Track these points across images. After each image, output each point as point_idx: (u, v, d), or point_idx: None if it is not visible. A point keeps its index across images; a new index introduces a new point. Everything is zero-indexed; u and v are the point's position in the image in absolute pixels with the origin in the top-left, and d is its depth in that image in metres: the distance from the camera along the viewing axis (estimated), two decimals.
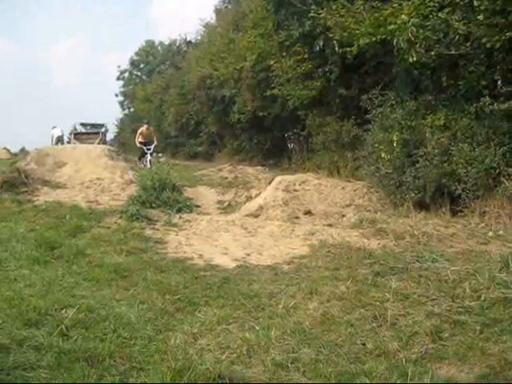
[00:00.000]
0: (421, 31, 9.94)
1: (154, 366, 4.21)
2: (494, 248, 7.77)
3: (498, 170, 9.55)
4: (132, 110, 53.84)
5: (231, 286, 6.60)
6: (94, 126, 36.53)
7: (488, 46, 9.58)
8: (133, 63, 60.64)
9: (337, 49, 13.34)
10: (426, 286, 5.93)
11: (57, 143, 28.91)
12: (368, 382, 3.87)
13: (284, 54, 17.09)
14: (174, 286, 6.46)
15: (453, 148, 10.24)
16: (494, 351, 4.21)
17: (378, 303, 5.50)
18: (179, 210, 11.56)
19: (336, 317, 5.24)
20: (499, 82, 10.44)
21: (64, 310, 5.31)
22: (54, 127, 31.00)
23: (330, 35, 13.11)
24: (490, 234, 8.83)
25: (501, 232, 8.83)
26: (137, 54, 60.05)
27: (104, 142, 32.71)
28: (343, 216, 10.99)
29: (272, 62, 17.69)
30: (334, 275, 6.69)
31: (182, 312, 5.65)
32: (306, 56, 16.16)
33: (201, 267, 7.60)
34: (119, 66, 61.44)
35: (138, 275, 6.88)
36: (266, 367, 4.21)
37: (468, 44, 10.01)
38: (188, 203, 12.60)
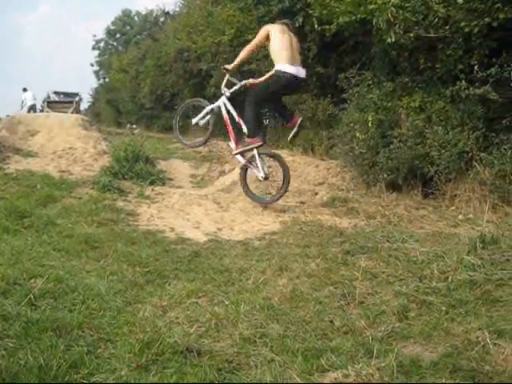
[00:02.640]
0: (400, 12, 9.92)
1: (123, 337, 4.21)
2: (463, 231, 7.86)
3: (470, 154, 9.62)
4: (107, 80, 53.17)
5: (202, 259, 6.60)
6: (67, 94, 36.05)
7: (466, 30, 9.60)
8: (109, 33, 59.85)
9: (316, 26, 13.29)
10: (395, 266, 5.99)
11: (29, 111, 28.38)
12: (334, 358, 3.92)
13: None
14: (144, 258, 6.43)
15: (427, 130, 10.28)
16: (458, 331, 4.28)
17: (346, 281, 5.55)
18: (152, 183, 11.45)
19: (305, 294, 5.27)
20: (476, 67, 10.47)
21: (33, 280, 5.24)
22: (25, 90, 30.03)
23: (310, 12, 13.06)
24: (460, 217, 8.94)
25: (470, 215, 8.94)
26: (113, 23, 59.25)
27: (78, 111, 32.25)
28: (316, 194, 11.03)
29: (250, 37, 17.45)
30: (304, 252, 6.72)
31: (151, 284, 5.64)
32: None
33: (172, 240, 7.58)
34: (95, 36, 60.66)
35: (109, 247, 6.82)
36: (234, 341, 4.23)
37: (447, 27, 10.01)
38: (161, 176, 12.51)
